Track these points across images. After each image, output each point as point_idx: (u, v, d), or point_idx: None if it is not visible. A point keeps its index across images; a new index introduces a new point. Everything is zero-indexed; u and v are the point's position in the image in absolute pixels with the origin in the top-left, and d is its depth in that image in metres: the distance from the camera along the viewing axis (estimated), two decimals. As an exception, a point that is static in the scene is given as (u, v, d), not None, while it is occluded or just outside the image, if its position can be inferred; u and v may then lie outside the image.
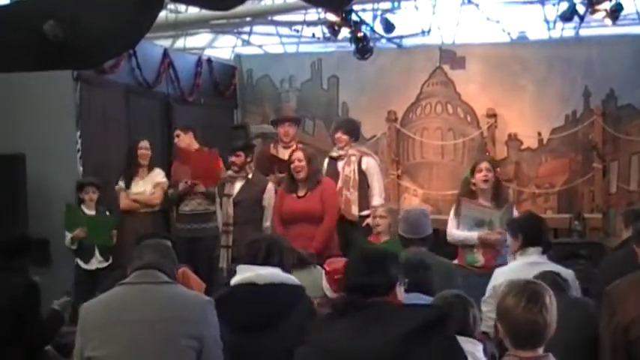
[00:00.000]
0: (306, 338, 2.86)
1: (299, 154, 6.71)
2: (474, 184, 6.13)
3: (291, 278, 3.87)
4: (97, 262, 7.18)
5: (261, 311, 3.68)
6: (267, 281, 3.73)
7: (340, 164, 7.43)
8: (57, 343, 4.74)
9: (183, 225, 7.64)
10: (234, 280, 3.81)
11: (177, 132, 8.04)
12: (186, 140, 7.93)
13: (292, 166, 6.69)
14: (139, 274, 3.45)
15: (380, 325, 2.71)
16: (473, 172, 6.19)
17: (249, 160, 7.13)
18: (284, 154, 7.65)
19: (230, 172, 7.14)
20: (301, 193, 6.70)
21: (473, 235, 6.01)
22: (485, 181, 6.07)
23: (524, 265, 4.68)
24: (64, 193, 7.25)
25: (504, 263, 5.33)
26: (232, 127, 8.88)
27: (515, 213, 6.17)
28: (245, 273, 3.79)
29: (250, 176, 7.08)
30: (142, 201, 7.51)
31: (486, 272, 5.35)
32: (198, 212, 7.54)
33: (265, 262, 3.80)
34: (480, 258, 6.01)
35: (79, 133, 7.56)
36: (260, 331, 3.66)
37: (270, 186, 7.11)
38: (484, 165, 6.17)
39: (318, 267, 4.74)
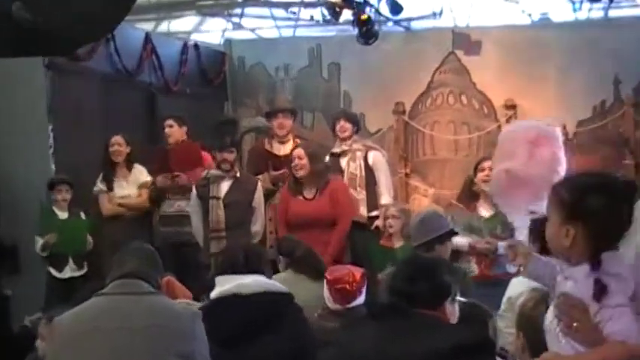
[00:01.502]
0: (333, 340, 2.88)
1: (299, 151, 6.71)
2: (476, 184, 6.16)
3: (276, 285, 3.88)
4: (70, 271, 7.18)
5: (247, 323, 3.69)
6: (251, 291, 3.74)
7: (344, 161, 7.44)
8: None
9: (167, 228, 7.60)
10: (214, 293, 3.81)
11: (170, 122, 7.96)
12: (176, 135, 7.90)
13: (292, 164, 6.70)
14: (119, 283, 3.44)
15: (419, 337, 2.71)
16: (476, 170, 6.21)
17: (237, 157, 7.17)
18: (279, 149, 7.66)
19: (214, 172, 7.11)
20: (309, 195, 6.69)
21: (464, 241, 6.04)
22: (487, 181, 6.08)
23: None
24: (34, 194, 7.25)
25: (503, 274, 5.36)
26: (222, 121, 8.88)
27: None
28: (225, 284, 3.80)
29: (239, 175, 7.08)
30: (131, 206, 7.51)
31: (482, 282, 5.38)
32: (185, 214, 7.50)
33: (245, 270, 3.82)
34: (474, 267, 6.04)
35: (51, 127, 7.56)
36: (248, 343, 3.67)
37: (261, 186, 7.12)
38: (488, 164, 6.13)
39: None
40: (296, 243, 5.40)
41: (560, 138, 4.09)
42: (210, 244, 6.91)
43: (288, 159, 7.18)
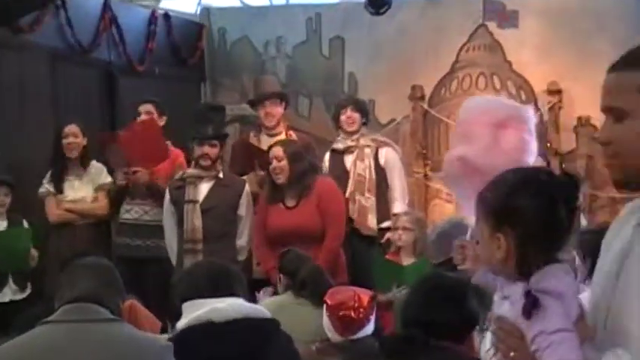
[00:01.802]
0: None
1: (277, 151, 6.69)
2: None
3: (257, 310, 3.87)
4: (11, 293, 7.18)
5: (224, 357, 3.68)
6: (227, 317, 3.73)
7: (349, 159, 7.44)
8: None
9: (125, 239, 7.56)
10: (181, 324, 3.81)
11: (149, 108, 7.88)
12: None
13: (270, 167, 6.70)
14: (70, 308, 3.43)
15: None
16: None
17: (221, 154, 7.13)
18: (268, 143, 7.65)
19: (191, 171, 7.09)
20: (290, 202, 6.69)
21: None
22: None
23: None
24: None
25: None
26: (206, 106, 8.75)
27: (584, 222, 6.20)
28: (195, 310, 3.78)
29: (221, 175, 7.06)
30: (84, 211, 7.45)
31: None
32: (147, 222, 7.47)
33: (218, 293, 3.81)
34: None
35: (-14, 115, 7.58)
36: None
37: (248, 189, 7.10)
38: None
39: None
40: (302, 260, 5.38)
41: (533, 121, 4.13)
42: (184, 258, 6.86)
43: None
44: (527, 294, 2.45)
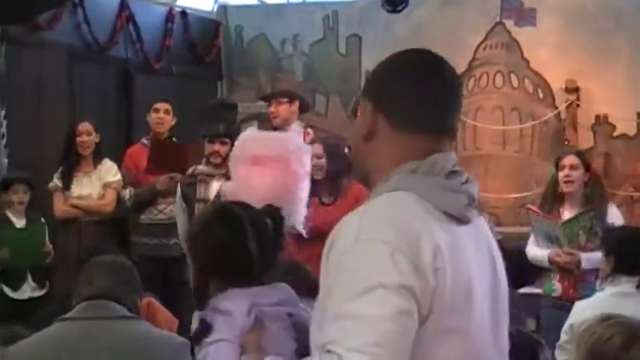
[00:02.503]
0: None
1: (317, 148, 6.66)
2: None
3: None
4: (30, 290, 7.20)
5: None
6: None
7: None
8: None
9: (146, 239, 7.62)
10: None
11: (167, 107, 7.87)
12: (167, 126, 7.84)
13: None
14: (87, 305, 3.44)
15: None
16: (557, 167, 6.25)
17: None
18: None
19: (202, 168, 7.08)
20: (327, 199, 6.66)
21: (544, 254, 6.08)
22: (569, 182, 6.09)
23: (611, 297, 4.71)
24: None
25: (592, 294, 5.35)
26: (217, 103, 8.76)
27: (616, 214, 6.16)
28: None
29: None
30: (89, 208, 7.45)
31: (565, 304, 5.39)
32: (166, 221, 7.48)
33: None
34: (556, 285, 6.05)
35: (3, 113, 7.59)
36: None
37: None
38: (569, 159, 6.19)
39: None
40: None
41: (298, 154, 4.33)
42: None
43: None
44: (202, 321, 2.74)
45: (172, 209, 7.35)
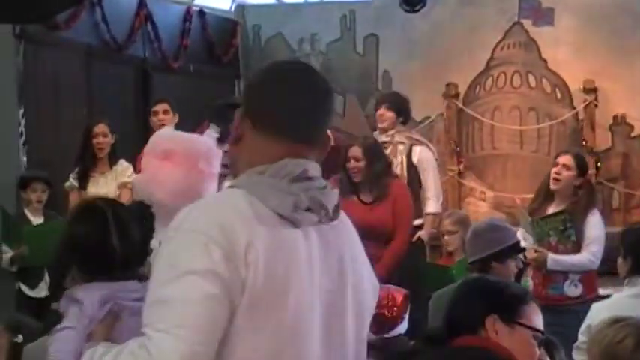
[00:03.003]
0: None
1: (355, 151, 6.63)
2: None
3: None
4: (47, 288, 7.21)
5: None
6: None
7: (383, 155, 7.44)
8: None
9: None
10: None
11: (166, 107, 7.83)
12: (170, 125, 7.86)
13: (348, 166, 6.63)
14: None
15: None
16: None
17: None
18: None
19: (213, 169, 7.10)
20: (367, 198, 6.64)
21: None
22: (556, 180, 6.08)
23: (628, 298, 4.70)
24: (1, 192, 7.28)
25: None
26: (224, 102, 8.67)
27: (594, 223, 6.13)
28: None
29: None
30: None
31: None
32: None
33: None
34: (530, 282, 6.05)
35: (22, 111, 7.60)
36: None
37: None
38: (563, 159, 6.16)
39: None
40: None
41: (206, 154, 4.39)
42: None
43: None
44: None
45: None
